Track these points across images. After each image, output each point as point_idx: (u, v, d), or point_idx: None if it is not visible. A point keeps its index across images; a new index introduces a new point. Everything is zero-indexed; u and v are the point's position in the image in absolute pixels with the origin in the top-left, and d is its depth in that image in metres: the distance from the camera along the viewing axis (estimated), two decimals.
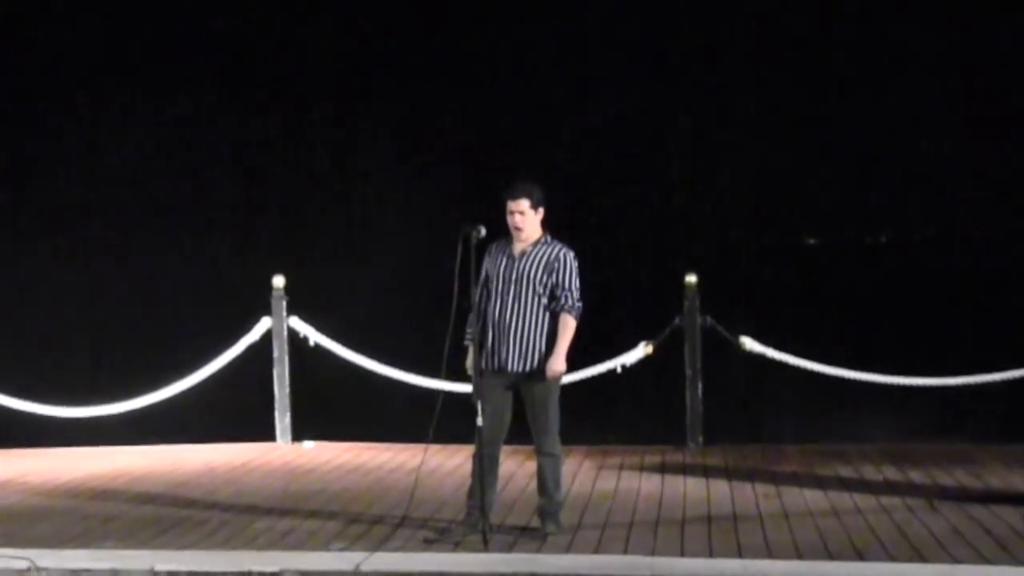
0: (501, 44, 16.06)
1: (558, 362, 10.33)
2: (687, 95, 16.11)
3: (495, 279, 10.51)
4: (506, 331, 10.41)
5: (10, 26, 16.74)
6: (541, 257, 10.45)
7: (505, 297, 10.45)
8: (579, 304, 10.40)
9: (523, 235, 10.50)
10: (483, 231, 10.34)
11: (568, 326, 10.36)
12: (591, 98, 16.13)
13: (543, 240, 10.53)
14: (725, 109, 16.15)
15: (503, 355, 10.41)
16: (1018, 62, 15.36)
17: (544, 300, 10.41)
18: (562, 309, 10.35)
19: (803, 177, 16.04)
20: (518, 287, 10.44)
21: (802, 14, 15.66)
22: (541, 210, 10.52)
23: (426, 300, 13.03)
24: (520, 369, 10.38)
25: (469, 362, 10.52)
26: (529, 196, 10.47)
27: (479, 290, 10.52)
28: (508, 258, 10.52)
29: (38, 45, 16.81)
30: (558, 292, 10.37)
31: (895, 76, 15.68)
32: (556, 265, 10.40)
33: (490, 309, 10.48)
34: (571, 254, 10.47)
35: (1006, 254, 15.52)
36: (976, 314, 15.34)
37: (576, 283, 10.42)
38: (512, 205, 10.48)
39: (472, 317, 10.52)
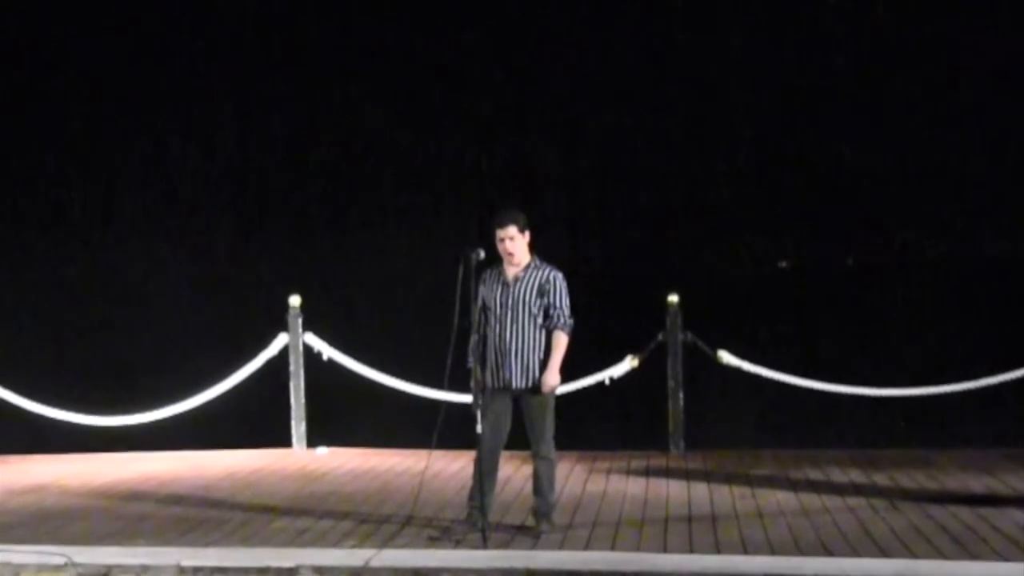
0: (500, 75, 16.11)
1: (553, 376, 10.39)
2: (672, 127, 16.14)
3: (493, 305, 10.52)
4: (507, 352, 10.44)
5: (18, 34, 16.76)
6: (533, 281, 10.48)
7: (504, 321, 10.47)
8: (570, 321, 10.45)
9: (515, 259, 10.53)
10: (482, 254, 10.39)
11: (561, 342, 10.41)
12: (584, 130, 16.18)
13: (533, 264, 10.56)
14: (708, 141, 16.18)
15: (507, 375, 10.45)
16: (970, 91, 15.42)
17: (539, 320, 10.45)
18: (555, 327, 10.40)
19: (776, 206, 16.07)
20: (514, 312, 10.47)
21: (789, 42, 15.69)
22: (527, 233, 10.56)
23: (430, 318, 13.03)
24: (522, 385, 10.43)
25: (474, 382, 10.54)
26: (516, 222, 10.51)
27: (478, 314, 10.54)
28: (503, 285, 10.54)
29: (50, 51, 16.82)
30: (551, 311, 10.42)
31: (862, 109, 15.72)
32: (547, 287, 10.44)
33: (490, 333, 10.51)
34: (560, 275, 10.52)
35: (960, 276, 15.56)
36: (933, 332, 15.37)
37: (566, 302, 10.47)
38: (501, 232, 10.50)
39: (473, 340, 10.55)
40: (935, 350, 15.24)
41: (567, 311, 10.45)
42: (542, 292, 10.43)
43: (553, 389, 10.44)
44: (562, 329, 10.41)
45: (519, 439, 10.65)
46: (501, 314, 10.47)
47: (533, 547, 10.11)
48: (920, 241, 15.89)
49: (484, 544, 10.05)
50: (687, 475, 13.17)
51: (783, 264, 16.39)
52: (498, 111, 16.20)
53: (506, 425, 10.55)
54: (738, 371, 14.83)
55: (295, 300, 15.62)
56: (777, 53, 15.74)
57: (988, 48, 15.34)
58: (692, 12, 15.92)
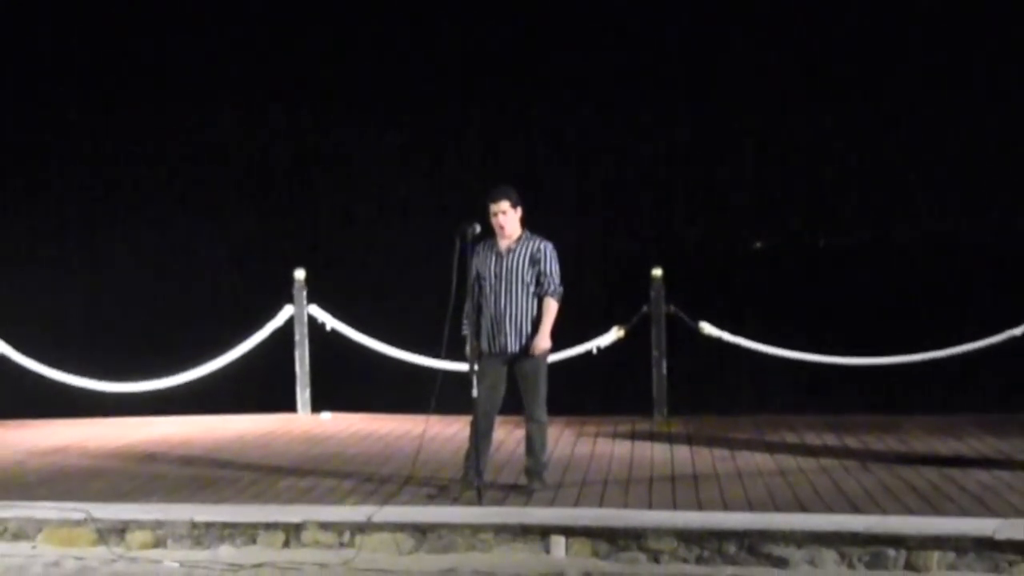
0: (500, 58, 16.10)
1: (544, 339, 10.37)
2: (662, 118, 16.16)
3: (487, 275, 10.50)
4: (502, 319, 10.42)
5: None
6: (525, 251, 10.46)
7: (498, 290, 10.45)
8: (560, 288, 10.43)
9: (507, 232, 10.50)
10: (478, 228, 10.37)
11: (551, 308, 10.39)
12: (579, 117, 16.19)
13: (524, 235, 10.54)
14: (694, 132, 16.21)
15: (502, 340, 10.42)
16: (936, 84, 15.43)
17: (531, 288, 10.42)
18: (546, 293, 10.39)
19: (754, 191, 16.11)
20: (508, 281, 10.45)
21: (771, 39, 15.70)
22: (519, 208, 10.53)
23: (428, 289, 13.04)
24: (516, 350, 10.40)
25: (469, 349, 10.52)
26: (508, 198, 10.48)
27: (472, 285, 10.52)
28: (496, 256, 10.52)
29: (71, 43, 16.80)
30: (542, 279, 10.40)
31: (836, 98, 15.73)
32: (539, 256, 10.42)
33: (484, 302, 10.49)
34: (550, 245, 10.49)
35: (927, 256, 15.60)
36: (902, 305, 15.41)
37: (556, 269, 10.45)
38: (494, 207, 10.47)
39: (467, 309, 10.53)
40: (903, 323, 15.28)
41: (557, 279, 10.43)
42: (534, 261, 10.41)
43: (544, 351, 10.42)
44: (552, 295, 10.40)
45: (510, 405, 10.64)
46: (495, 283, 10.44)
47: (526, 504, 10.12)
48: (889, 224, 15.94)
49: (479, 501, 10.06)
50: (670, 438, 13.16)
51: (758, 244, 16.44)
52: (496, 94, 16.19)
53: (501, 389, 10.52)
54: (718, 341, 14.83)
55: (300, 274, 15.60)
56: (766, 47, 15.75)
57: (973, 42, 15.36)
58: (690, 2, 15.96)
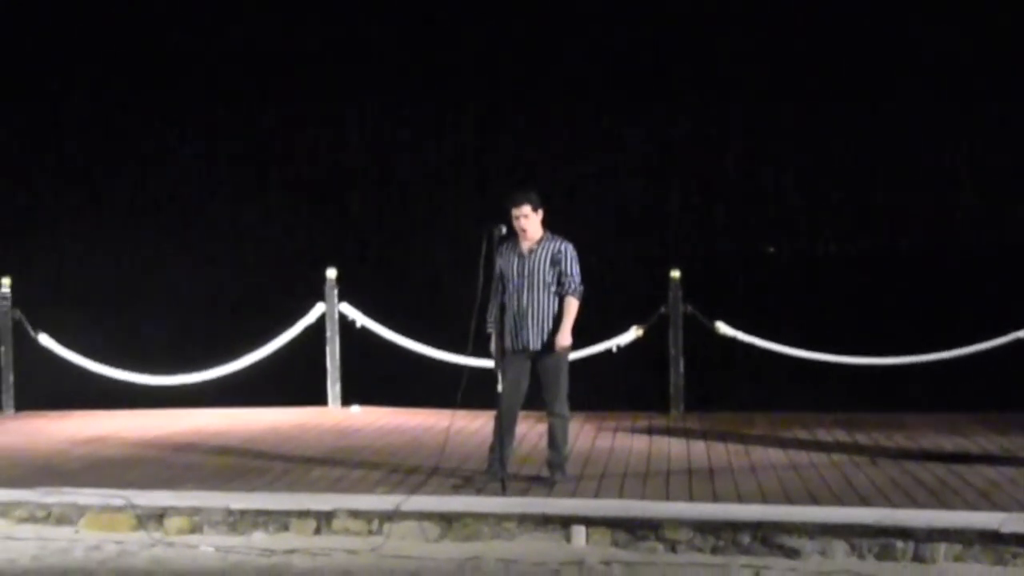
0: (514, 65, 16.13)
1: (565, 337, 10.40)
2: (677, 126, 16.17)
3: (510, 275, 10.53)
4: (524, 317, 10.45)
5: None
6: (546, 252, 10.49)
7: (521, 290, 10.48)
8: (580, 287, 10.46)
9: (528, 234, 10.52)
10: (504, 229, 10.41)
11: (572, 306, 10.42)
12: (595, 121, 16.20)
13: (546, 237, 10.56)
14: (709, 142, 16.23)
15: (524, 337, 10.45)
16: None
17: (552, 287, 10.46)
18: (567, 293, 10.41)
19: (766, 199, 16.13)
20: (530, 281, 10.47)
21: (785, 44, 15.70)
22: (540, 211, 10.55)
23: (455, 288, 13.09)
24: (539, 347, 10.44)
25: (494, 346, 10.57)
26: (529, 201, 10.50)
27: (495, 284, 10.56)
28: (519, 256, 10.55)
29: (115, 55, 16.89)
30: (563, 279, 10.43)
31: (840, 101, 15.74)
32: (559, 257, 10.45)
33: (508, 300, 10.53)
34: (570, 246, 10.52)
35: (932, 262, 15.60)
36: (910, 307, 15.40)
37: (576, 270, 10.47)
38: (515, 211, 10.49)
39: (491, 307, 10.58)
40: (912, 325, 15.27)
41: (578, 278, 10.46)
42: (555, 262, 10.44)
43: (566, 348, 10.45)
44: (573, 294, 10.43)
45: (532, 401, 10.67)
46: (518, 283, 10.47)
47: (548, 495, 10.16)
48: (897, 229, 15.94)
49: (503, 492, 10.11)
50: (686, 434, 13.18)
51: (771, 249, 16.46)
52: (513, 101, 16.23)
53: (524, 385, 10.55)
54: (733, 341, 14.84)
55: (332, 273, 15.66)
56: (774, 55, 15.75)
57: (979, 44, 15.34)
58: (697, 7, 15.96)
